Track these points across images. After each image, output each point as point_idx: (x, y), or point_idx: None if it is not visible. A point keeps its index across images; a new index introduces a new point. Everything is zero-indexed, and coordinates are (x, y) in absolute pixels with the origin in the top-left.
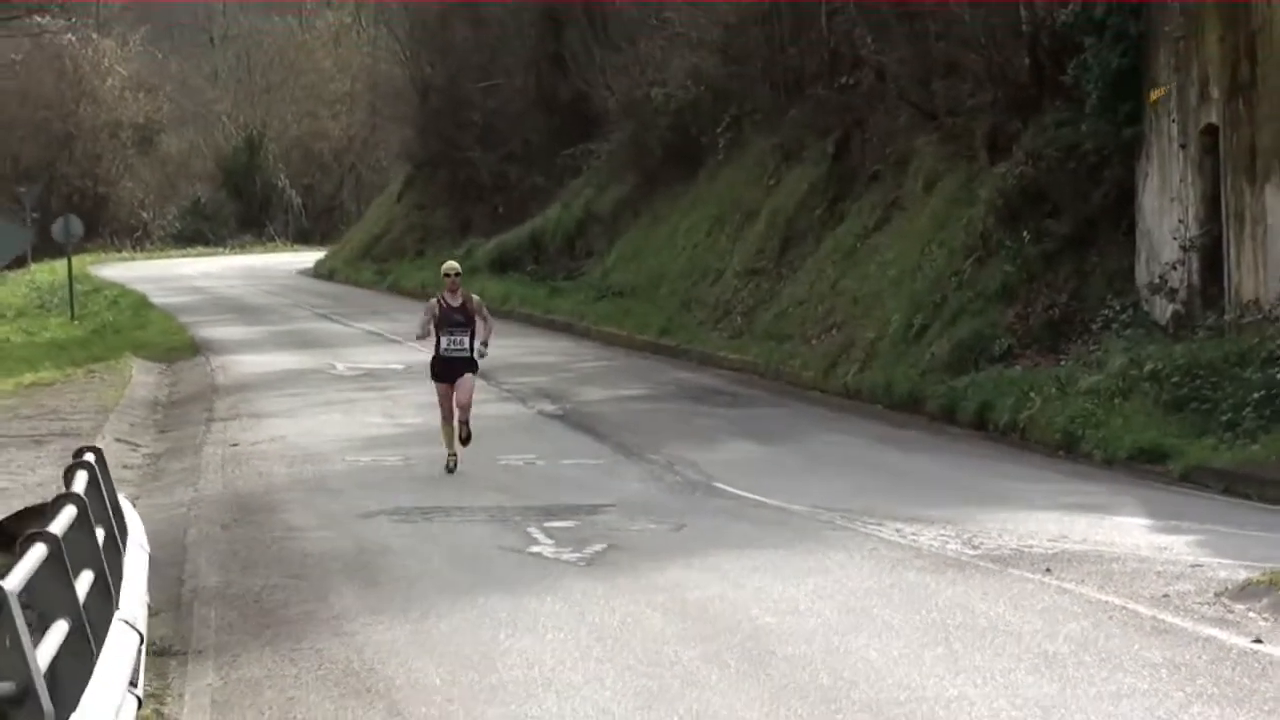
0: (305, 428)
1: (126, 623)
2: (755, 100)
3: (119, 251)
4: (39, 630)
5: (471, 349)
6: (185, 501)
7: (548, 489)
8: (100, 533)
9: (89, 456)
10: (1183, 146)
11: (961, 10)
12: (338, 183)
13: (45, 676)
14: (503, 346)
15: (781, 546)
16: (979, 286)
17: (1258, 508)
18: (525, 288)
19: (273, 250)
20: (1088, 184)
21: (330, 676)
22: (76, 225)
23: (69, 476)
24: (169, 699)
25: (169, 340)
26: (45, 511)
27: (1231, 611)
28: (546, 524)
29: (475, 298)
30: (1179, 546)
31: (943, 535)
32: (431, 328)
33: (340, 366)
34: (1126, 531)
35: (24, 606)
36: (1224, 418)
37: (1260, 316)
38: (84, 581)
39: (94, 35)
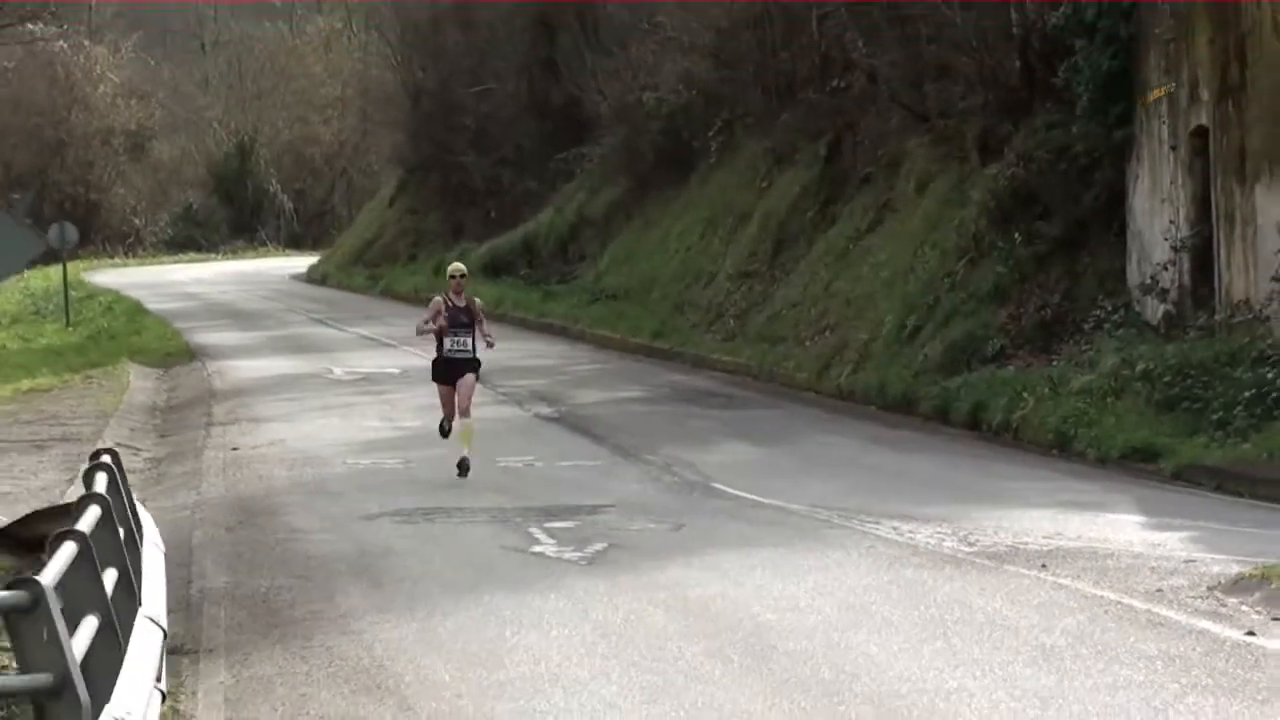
0: (304, 432)
1: (150, 619)
2: (747, 104)
3: (111, 258)
4: (70, 625)
5: (474, 350)
6: (189, 505)
7: (547, 490)
8: (121, 532)
9: (105, 459)
10: (1173, 148)
11: (953, 13)
12: (329, 188)
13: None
14: (498, 350)
15: (780, 545)
16: (971, 288)
17: (1249, 505)
18: (518, 292)
19: (264, 255)
20: (1079, 186)
21: (341, 673)
22: (72, 232)
23: (89, 478)
24: (183, 696)
25: (165, 346)
26: (52, 515)
27: (1224, 605)
28: (547, 524)
29: (478, 301)
30: (1172, 543)
31: (939, 533)
32: (434, 325)
33: (337, 371)
34: (1120, 528)
35: None
36: (1215, 416)
37: (1251, 316)
38: (109, 579)
39: (86, 42)
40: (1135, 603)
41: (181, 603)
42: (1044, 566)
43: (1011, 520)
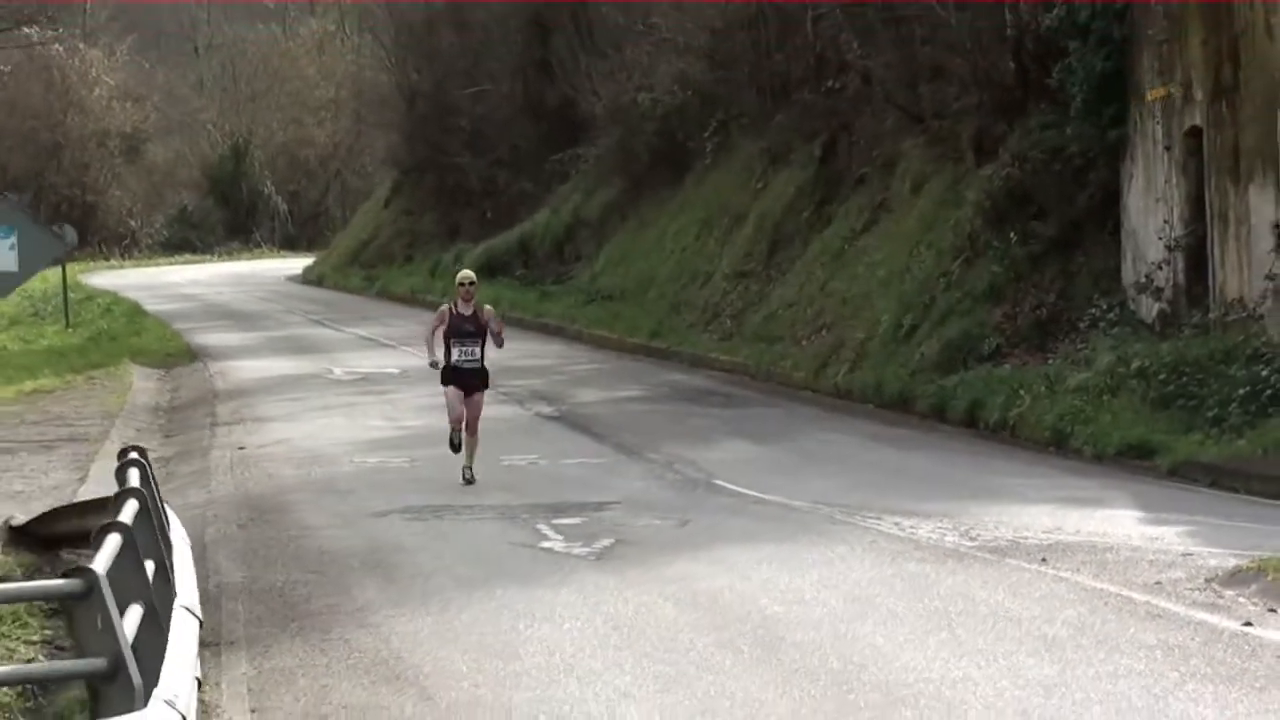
0: (308, 431)
1: (186, 609)
2: (742, 105)
3: (108, 260)
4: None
5: (483, 359)
6: (200, 503)
7: (552, 488)
8: (155, 525)
9: (134, 455)
10: (1167, 148)
11: (947, 15)
12: (323, 189)
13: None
14: (495, 350)
15: (784, 540)
16: (967, 287)
17: (1245, 500)
18: (515, 292)
19: (260, 257)
20: (1073, 186)
21: (360, 665)
22: (71, 234)
23: (123, 474)
24: (207, 687)
25: (165, 347)
26: (68, 513)
27: (1222, 597)
28: (554, 521)
29: (488, 308)
30: (1170, 537)
31: (940, 528)
32: (440, 336)
33: (337, 371)
34: (1118, 523)
35: None
36: (1210, 413)
37: (1245, 314)
38: (149, 570)
39: (81, 46)
40: (1134, 595)
41: (200, 597)
42: (1044, 560)
43: (1011, 515)
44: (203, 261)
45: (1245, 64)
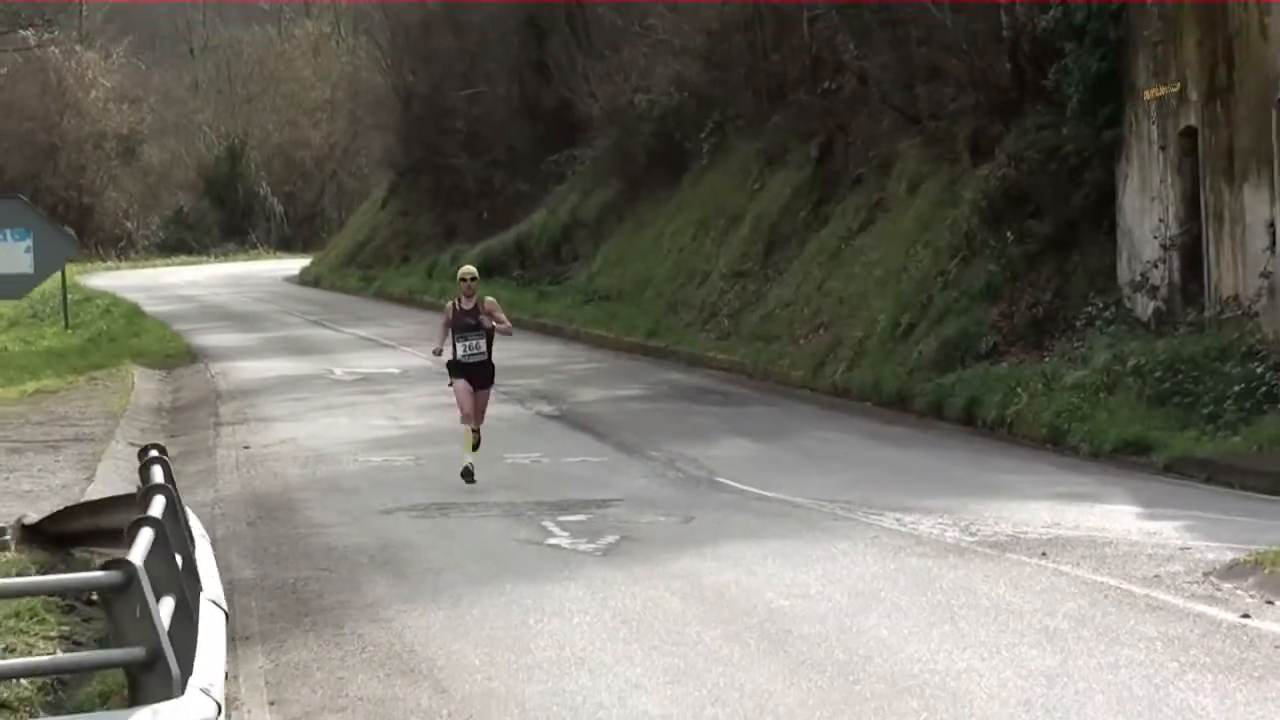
0: (312, 431)
1: (213, 602)
2: (738, 106)
3: (104, 261)
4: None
5: (489, 353)
6: (208, 501)
7: (555, 485)
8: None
9: (154, 453)
10: (1162, 148)
11: (943, 16)
12: (319, 190)
13: None
14: (495, 350)
15: (788, 536)
16: (964, 286)
17: (1240, 495)
18: (512, 292)
19: (256, 258)
20: (1069, 185)
21: (375, 659)
22: (71, 236)
23: (146, 471)
24: (226, 681)
25: (165, 347)
26: (80, 512)
27: (1220, 590)
28: (559, 518)
29: (489, 299)
30: (1168, 531)
31: (941, 524)
32: (449, 340)
33: (338, 371)
34: (1116, 518)
35: None
36: (1205, 410)
37: (1239, 312)
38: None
39: (78, 48)
40: (1134, 588)
41: None
42: (1044, 554)
43: (1010, 511)
44: (199, 263)
45: (1240, 64)
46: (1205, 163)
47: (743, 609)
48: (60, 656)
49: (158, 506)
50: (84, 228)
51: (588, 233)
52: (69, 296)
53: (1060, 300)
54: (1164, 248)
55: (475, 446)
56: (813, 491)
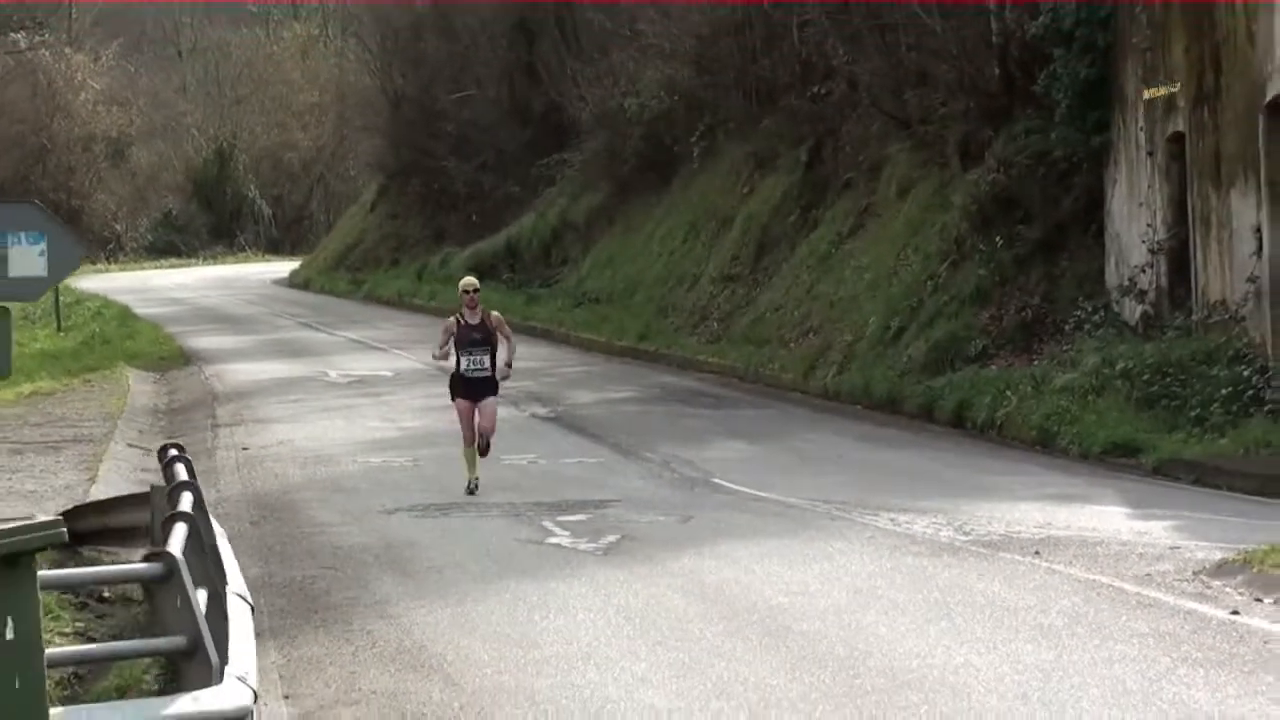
0: (309, 432)
1: (239, 595)
2: (728, 110)
3: (94, 263)
4: None
5: (493, 368)
6: (210, 501)
7: (553, 486)
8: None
9: (174, 451)
10: (1150, 153)
11: (933, 22)
12: (307, 193)
13: None
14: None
15: (785, 536)
16: (953, 290)
17: (1228, 497)
18: (502, 295)
19: (244, 261)
20: (1058, 190)
21: (385, 654)
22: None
23: (170, 468)
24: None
25: (159, 350)
26: (89, 511)
27: (1210, 587)
28: (559, 518)
29: (495, 314)
30: (1157, 531)
31: (935, 524)
32: (451, 347)
33: (333, 374)
34: (1107, 519)
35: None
36: (1193, 413)
37: (1226, 316)
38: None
39: (67, 50)
40: (1126, 586)
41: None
42: (1037, 553)
43: (1002, 511)
44: (188, 265)
45: (1227, 70)
46: (1193, 168)
47: (743, 606)
48: (111, 644)
49: (187, 502)
50: (73, 230)
51: (577, 236)
52: (61, 299)
53: (1049, 304)
54: (1152, 252)
55: (484, 452)
56: (807, 492)
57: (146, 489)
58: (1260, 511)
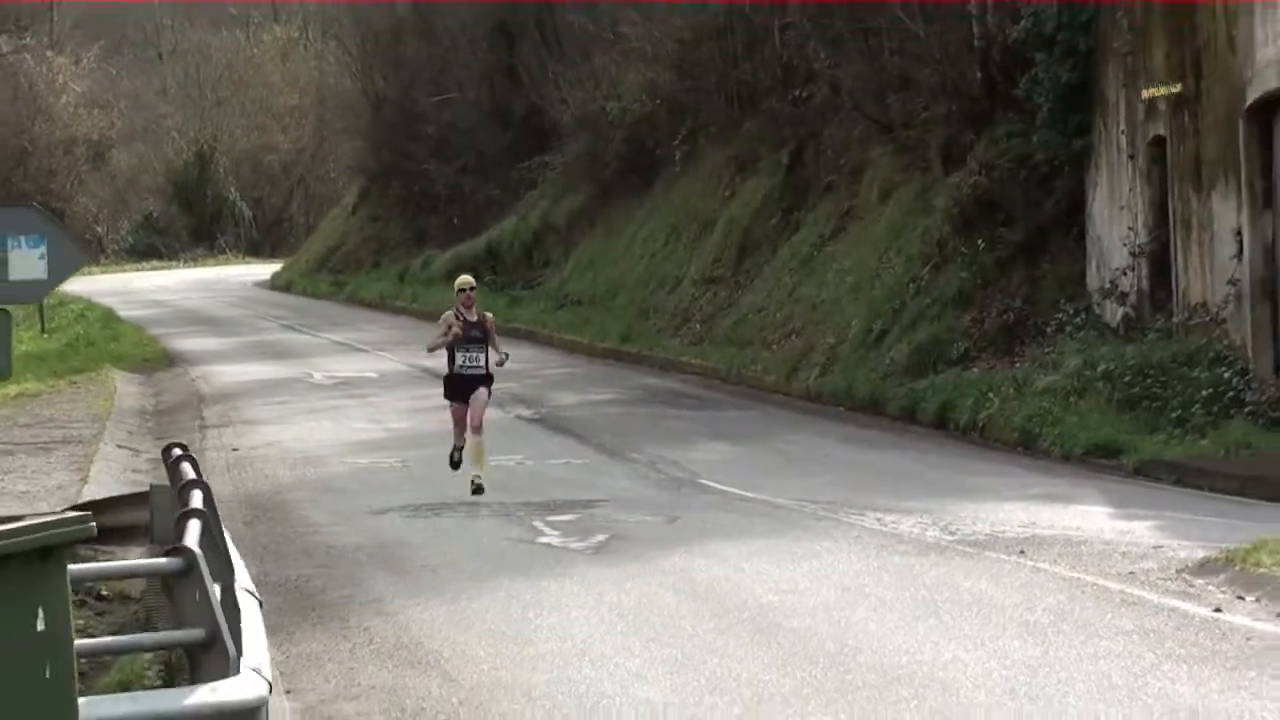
0: (297, 434)
1: (248, 591)
2: (710, 113)
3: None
4: None
5: (487, 365)
6: None
7: (541, 487)
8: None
9: (179, 450)
10: (1131, 157)
11: (915, 26)
12: (287, 195)
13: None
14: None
15: (772, 535)
16: (936, 292)
17: (1209, 497)
18: (484, 297)
19: (225, 263)
20: (1039, 193)
21: (383, 650)
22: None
23: (176, 467)
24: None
25: (143, 352)
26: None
27: (1193, 586)
28: (548, 518)
29: (489, 316)
30: (1140, 531)
31: (920, 523)
32: (446, 339)
33: (317, 375)
34: (1090, 518)
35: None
36: (1174, 414)
37: (1207, 319)
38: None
39: (48, 53)
40: (1110, 584)
41: None
42: (1022, 552)
43: (987, 511)
44: (169, 268)
45: (1207, 75)
46: (1174, 171)
47: (734, 604)
48: (135, 636)
49: (198, 499)
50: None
51: (559, 238)
52: (44, 301)
53: (1031, 307)
54: (1133, 255)
55: (473, 457)
56: (793, 492)
57: (139, 489)
58: (1241, 512)
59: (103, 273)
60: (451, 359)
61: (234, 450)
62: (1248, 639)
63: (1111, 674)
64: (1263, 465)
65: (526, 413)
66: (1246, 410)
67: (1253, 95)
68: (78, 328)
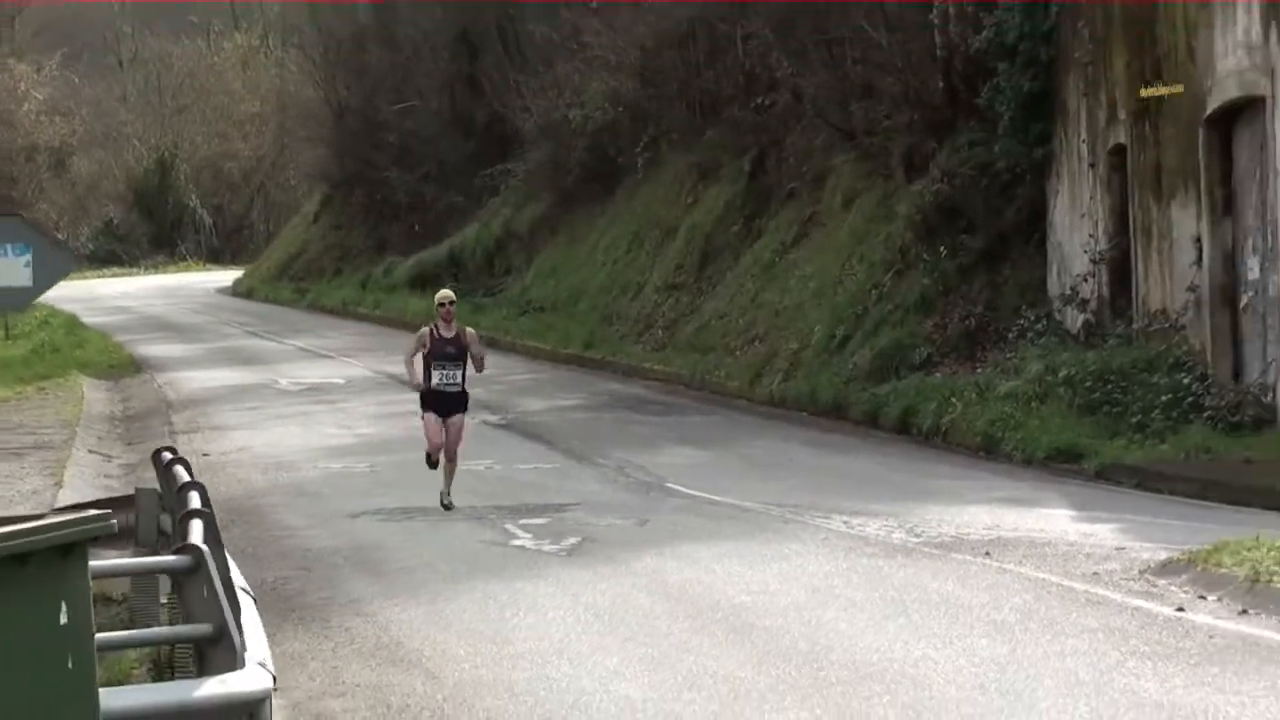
0: (267, 439)
1: (243, 589)
2: (672, 121)
3: None
4: None
5: (464, 382)
6: None
7: (511, 491)
8: None
9: (169, 455)
10: (1092, 165)
11: (878, 36)
12: (247, 202)
13: None
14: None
15: (741, 538)
16: (898, 299)
17: (1170, 500)
18: None
19: (186, 270)
20: (1000, 201)
21: (364, 650)
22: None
23: (169, 470)
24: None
25: (109, 358)
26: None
27: (1155, 586)
28: (520, 521)
29: (470, 330)
30: (1103, 533)
31: (886, 526)
32: (420, 360)
33: (283, 382)
34: (1053, 521)
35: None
36: (1134, 419)
37: (1167, 325)
38: None
39: (10, 61)
40: (1075, 584)
41: None
42: (988, 554)
43: (952, 514)
44: (130, 274)
45: (1167, 85)
46: (1134, 180)
47: (707, 604)
48: (148, 630)
49: (196, 500)
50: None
51: (521, 245)
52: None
53: (992, 313)
54: (1093, 262)
55: (445, 477)
56: (760, 496)
57: (113, 494)
58: (1201, 515)
59: (65, 279)
60: (428, 375)
61: (204, 455)
62: (1210, 637)
63: (1078, 670)
64: (1222, 469)
65: (493, 418)
66: (1206, 415)
67: (1212, 105)
68: (42, 334)
